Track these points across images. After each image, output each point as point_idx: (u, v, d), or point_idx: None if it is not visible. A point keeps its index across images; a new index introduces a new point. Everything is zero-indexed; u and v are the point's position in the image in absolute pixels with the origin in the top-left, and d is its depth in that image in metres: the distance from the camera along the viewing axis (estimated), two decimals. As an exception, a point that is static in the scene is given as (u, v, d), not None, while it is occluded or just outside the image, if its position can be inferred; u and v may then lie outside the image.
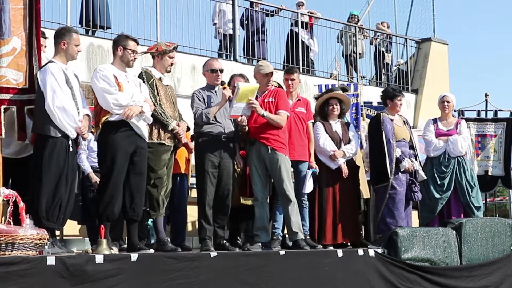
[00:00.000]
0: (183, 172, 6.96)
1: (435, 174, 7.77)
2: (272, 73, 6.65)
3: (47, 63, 5.40)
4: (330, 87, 8.81)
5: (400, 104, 7.51)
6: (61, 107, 5.24)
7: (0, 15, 5.27)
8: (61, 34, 5.50)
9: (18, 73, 5.37)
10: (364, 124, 8.48)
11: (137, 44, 5.82)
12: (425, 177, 7.51)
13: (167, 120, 5.94)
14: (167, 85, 6.19)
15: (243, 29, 12.18)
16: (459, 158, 7.81)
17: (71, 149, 5.36)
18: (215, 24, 11.96)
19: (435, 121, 8.01)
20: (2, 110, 5.26)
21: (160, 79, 6.10)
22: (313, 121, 7.17)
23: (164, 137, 5.96)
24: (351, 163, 7.36)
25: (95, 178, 7.05)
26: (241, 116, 6.36)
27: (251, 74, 7.03)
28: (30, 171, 5.30)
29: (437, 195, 7.73)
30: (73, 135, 5.36)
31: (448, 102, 7.96)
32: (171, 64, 6.18)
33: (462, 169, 7.80)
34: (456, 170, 7.79)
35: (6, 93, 5.29)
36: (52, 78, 5.26)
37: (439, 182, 7.76)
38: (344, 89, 8.47)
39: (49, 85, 5.23)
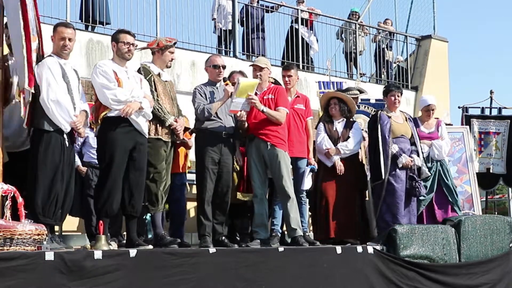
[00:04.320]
0: (181, 168, 6.95)
1: None
2: (260, 67, 6.60)
3: (46, 57, 5.41)
4: (329, 84, 8.85)
5: (395, 100, 7.46)
6: (55, 101, 5.26)
7: (29, 12, 5.28)
8: (53, 30, 5.55)
9: None
10: (361, 121, 8.48)
11: (133, 36, 5.80)
12: (429, 174, 7.49)
13: (164, 116, 5.92)
14: (166, 81, 6.18)
15: (242, 26, 12.16)
16: (441, 160, 7.80)
17: (66, 144, 5.36)
18: (214, 19, 11.94)
19: (416, 122, 7.86)
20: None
21: (159, 74, 6.09)
22: (312, 117, 7.19)
23: (161, 132, 5.95)
24: (353, 160, 7.37)
25: (83, 170, 7.14)
26: (241, 111, 6.36)
27: (249, 70, 7.03)
28: (28, 166, 5.31)
29: (420, 197, 7.70)
30: (66, 129, 5.35)
31: (433, 110, 7.90)
32: (172, 59, 6.16)
33: (446, 169, 7.76)
34: (440, 172, 7.76)
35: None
36: (48, 71, 5.28)
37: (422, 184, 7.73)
38: (360, 91, 8.51)
39: (44, 79, 5.26)
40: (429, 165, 7.73)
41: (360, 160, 7.63)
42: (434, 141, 7.77)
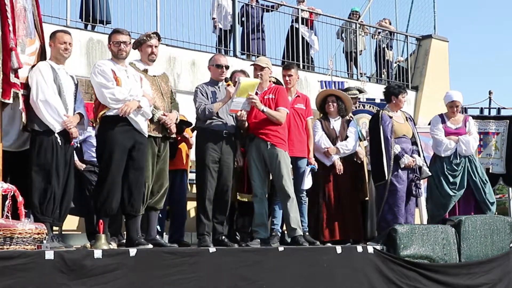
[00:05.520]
0: (183, 167, 6.94)
1: (446, 172, 7.74)
2: (261, 66, 6.61)
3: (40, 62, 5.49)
4: (331, 84, 8.86)
5: (404, 100, 7.52)
6: (44, 101, 5.31)
7: (27, 15, 5.33)
8: (51, 36, 5.60)
9: None
10: (366, 120, 8.47)
11: (127, 35, 5.79)
12: (430, 173, 7.48)
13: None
14: (154, 76, 6.10)
15: (241, 26, 12.14)
16: (470, 156, 7.82)
17: (59, 143, 5.36)
18: (213, 18, 11.93)
19: (442, 118, 7.91)
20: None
21: (146, 70, 6.05)
22: (312, 117, 7.18)
23: (149, 128, 5.87)
24: (351, 160, 7.36)
25: (83, 166, 7.09)
26: (241, 110, 6.36)
27: (250, 70, 7.03)
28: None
29: (451, 193, 7.69)
30: (55, 128, 5.36)
31: (457, 106, 7.92)
32: (152, 52, 6.07)
33: (474, 166, 7.79)
34: (468, 168, 7.77)
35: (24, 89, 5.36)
36: (38, 73, 5.36)
37: (451, 180, 7.72)
38: (360, 91, 8.50)
39: (34, 80, 5.33)
40: (457, 161, 7.74)
41: (361, 158, 7.61)
42: (461, 136, 7.78)
